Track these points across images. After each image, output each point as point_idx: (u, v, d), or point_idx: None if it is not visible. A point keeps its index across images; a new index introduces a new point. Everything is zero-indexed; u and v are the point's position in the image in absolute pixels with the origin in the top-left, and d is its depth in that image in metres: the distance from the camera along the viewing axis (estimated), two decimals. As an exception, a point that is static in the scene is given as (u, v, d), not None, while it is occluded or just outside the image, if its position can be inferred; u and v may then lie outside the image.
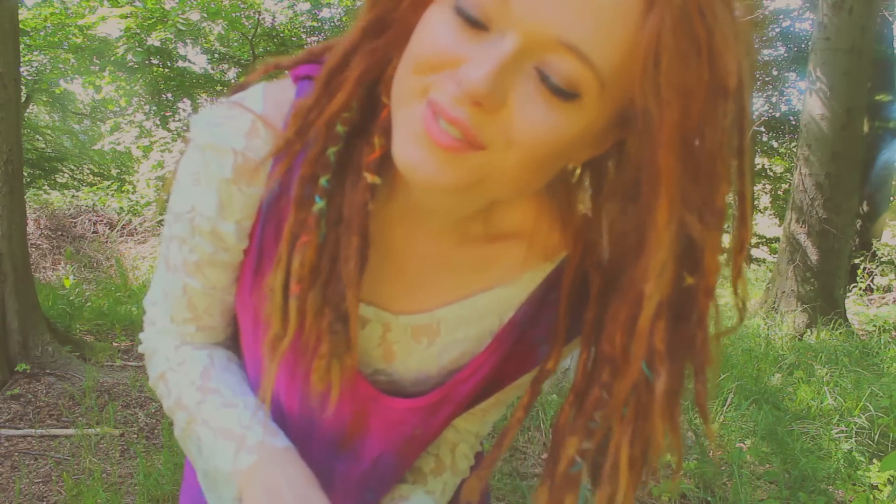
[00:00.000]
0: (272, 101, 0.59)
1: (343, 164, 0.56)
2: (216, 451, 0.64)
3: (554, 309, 0.64)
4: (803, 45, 8.77)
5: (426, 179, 0.48)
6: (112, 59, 8.10)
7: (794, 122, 9.50)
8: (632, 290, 0.51)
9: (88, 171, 9.77)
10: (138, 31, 7.84)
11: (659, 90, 0.44)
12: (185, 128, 8.71)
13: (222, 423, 0.65)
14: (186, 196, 0.62)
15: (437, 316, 0.65)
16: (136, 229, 7.15)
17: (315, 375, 0.59)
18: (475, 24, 0.46)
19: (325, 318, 0.57)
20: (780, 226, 9.23)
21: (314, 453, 0.71)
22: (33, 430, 2.93)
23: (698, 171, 0.46)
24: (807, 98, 5.37)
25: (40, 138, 9.32)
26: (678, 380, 0.52)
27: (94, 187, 8.36)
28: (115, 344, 4.08)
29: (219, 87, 10.11)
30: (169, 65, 9.16)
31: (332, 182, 0.55)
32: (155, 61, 8.89)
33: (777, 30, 9.88)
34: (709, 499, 2.63)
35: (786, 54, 10.04)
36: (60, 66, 8.73)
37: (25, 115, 8.16)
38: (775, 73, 10.45)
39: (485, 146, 0.47)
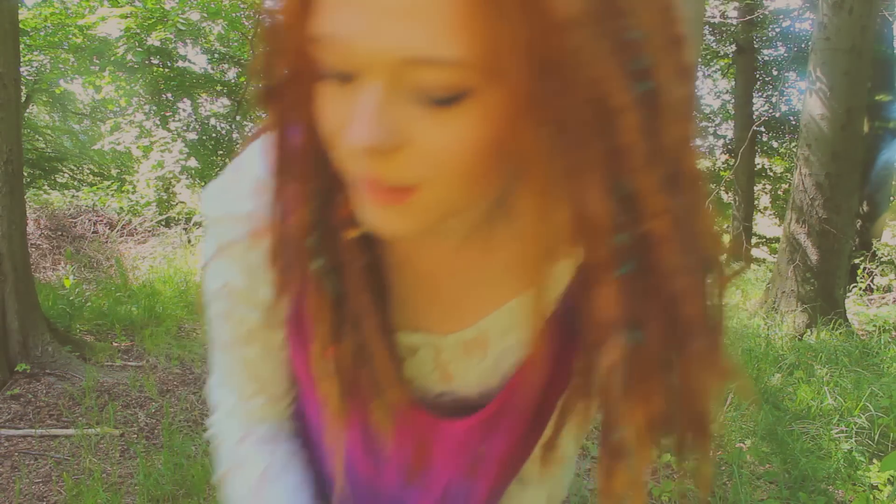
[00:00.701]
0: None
1: (326, 216, 0.53)
2: None
3: None
4: (803, 45, 8.77)
5: (393, 234, 0.48)
6: (112, 59, 8.08)
7: (794, 122, 9.51)
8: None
9: (88, 171, 9.75)
10: (138, 31, 7.84)
11: (485, 62, 0.38)
12: (185, 127, 8.71)
13: None
14: (215, 274, 0.62)
15: (483, 327, 0.64)
16: (136, 229, 7.15)
17: (375, 417, 0.59)
18: (344, 78, 0.42)
19: (360, 362, 0.57)
20: (779, 226, 9.24)
21: (385, 491, 0.72)
22: (33, 430, 2.93)
23: (571, 118, 0.38)
24: (807, 98, 5.37)
25: (40, 138, 9.31)
26: (655, 341, 0.45)
27: (94, 187, 8.35)
28: (115, 344, 4.08)
29: (219, 87, 10.10)
30: (169, 65, 9.14)
31: (322, 238, 0.53)
32: (155, 61, 8.87)
33: (777, 30, 9.89)
34: (709, 499, 2.63)
35: (786, 54, 10.05)
36: (60, 66, 8.72)
37: (25, 115, 8.16)
38: (775, 73, 10.46)
39: (416, 186, 0.44)
